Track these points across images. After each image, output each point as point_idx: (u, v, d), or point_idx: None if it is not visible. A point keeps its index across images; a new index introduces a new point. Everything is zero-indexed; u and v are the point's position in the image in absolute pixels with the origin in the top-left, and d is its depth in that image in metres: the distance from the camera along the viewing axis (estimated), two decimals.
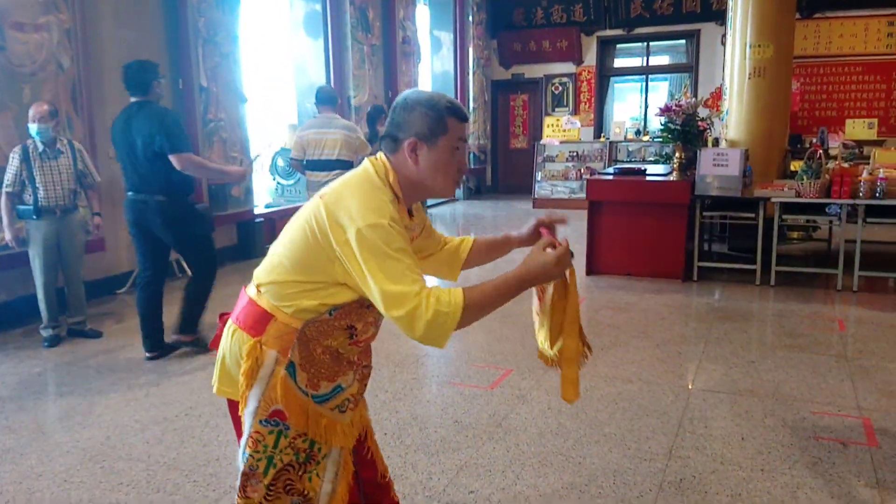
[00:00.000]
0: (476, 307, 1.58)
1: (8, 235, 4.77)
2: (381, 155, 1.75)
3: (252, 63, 8.01)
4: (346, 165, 5.69)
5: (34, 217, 4.74)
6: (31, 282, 5.48)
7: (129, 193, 4.45)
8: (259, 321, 1.70)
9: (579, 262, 6.96)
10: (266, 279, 1.73)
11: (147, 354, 4.56)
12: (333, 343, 1.72)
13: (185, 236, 4.53)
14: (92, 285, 6.00)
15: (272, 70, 9.07)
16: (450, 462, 3.09)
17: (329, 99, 6.01)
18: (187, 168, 4.35)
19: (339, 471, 1.78)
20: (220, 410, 3.67)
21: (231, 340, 1.76)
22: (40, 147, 4.74)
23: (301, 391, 1.69)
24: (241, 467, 1.73)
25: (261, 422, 1.69)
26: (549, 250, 1.69)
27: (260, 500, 1.72)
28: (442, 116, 1.71)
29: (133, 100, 4.45)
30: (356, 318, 1.72)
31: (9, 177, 4.68)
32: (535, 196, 12.35)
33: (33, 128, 4.70)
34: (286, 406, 1.68)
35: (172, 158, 4.28)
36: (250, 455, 1.71)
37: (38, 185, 4.72)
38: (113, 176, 6.21)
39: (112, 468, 3.08)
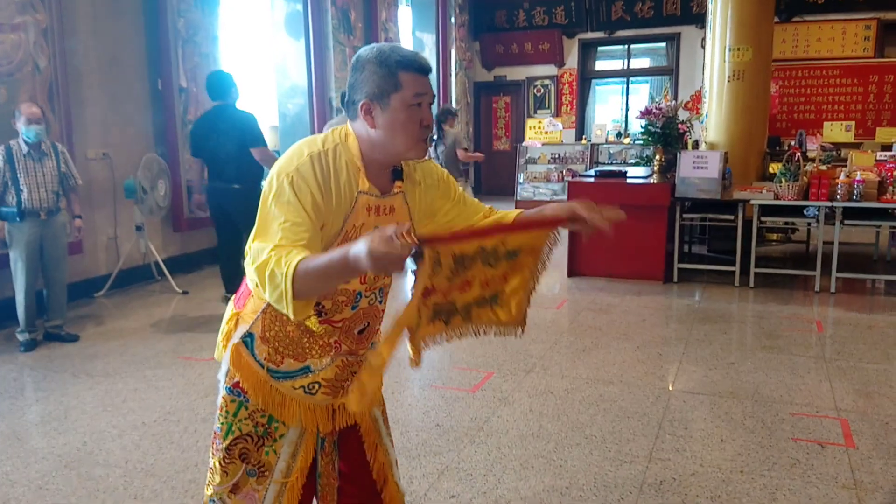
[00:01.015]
0: (304, 275, 1.43)
1: None
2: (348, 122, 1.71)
3: (232, 64, 7.95)
4: None
5: (17, 219, 4.65)
6: (6, 285, 5.40)
7: (213, 183, 5.26)
8: (243, 296, 1.77)
9: (561, 264, 6.98)
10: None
11: (225, 294, 5.35)
12: (305, 321, 1.68)
13: (254, 219, 5.20)
14: (69, 288, 5.93)
15: (253, 71, 9.01)
16: (431, 466, 3.08)
17: None
18: (265, 160, 5.30)
19: (296, 452, 1.78)
20: (198, 416, 3.64)
21: (225, 312, 1.83)
22: (25, 149, 4.66)
23: (257, 363, 1.72)
24: (214, 426, 1.80)
25: (226, 388, 1.75)
26: (389, 240, 1.34)
27: (219, 460, 1.76)
28: (392, 72, 1.60)
29: (215, 103, 5.45)
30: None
31: None
32: (518, 198, 12.37)
33: (28, 129, 4.62)
34: (240, 375, 1.73)
35: (254, 152, 5.23)
36: (218, 417, 1.78)
37: (21, 187, 4.64)
38: (90, 178, 6.14)
39: (89, 474, 3.04)
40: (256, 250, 1.52)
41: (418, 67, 1.62)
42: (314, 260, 1.45)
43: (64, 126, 5.68)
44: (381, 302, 1.80)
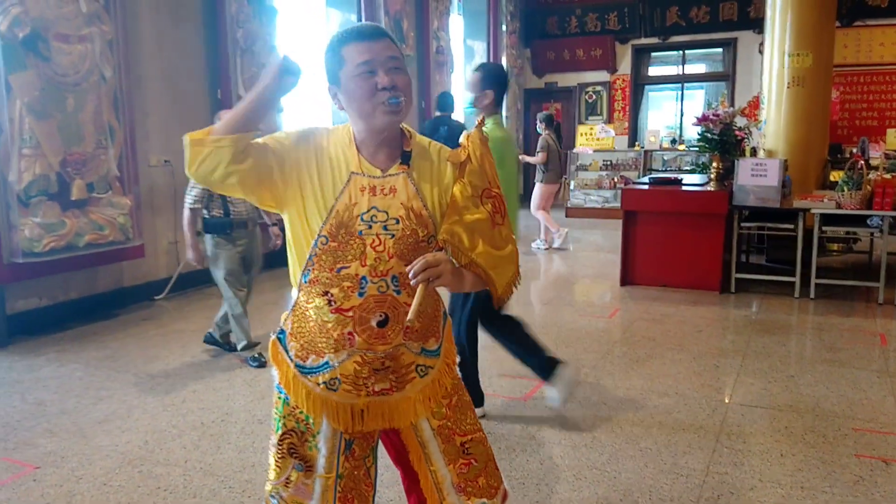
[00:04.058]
0: (228, 115, 1.66)
1: (191, 255, 4.55)
2: None
3: None
4: None
5: (227, 232, 4.53)
6: (71, 287, 5.61)
7: None
8: (292, 300, 1.81)
9: (613, 272, 6.91)
10: None
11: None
12: (320, 313, 1.69)
13: None
14: (131, 291, 6.12)
15: (307, 80, 9.15)
16: None
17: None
18: None
19: (333, 448, 1.78)
20: (255, 417, 3.71)
21: None
22: None
23: (288, 357, 1.76)
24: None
25: (276, 386, 1.80)
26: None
27: (273, 455, 1.80)
28: (336, 51, 1.66)
29: (440, 114, 7.58)
30: (328, 282, 1.68)
31: (197, 192, 4.45)
32: (568, 205, 12.30)
33: None
34: (276, 369, 1.79)
35: None
36: (273, 413, 1.82)
37: (229, 199, 4.47)
38: (152, 184, 6.33)
39: (150, 472, 3.13)
40: None
41: (357, 35, 1.64)
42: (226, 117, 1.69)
43: (128, 134, 5.86)
44: (398, 292, 1.70)
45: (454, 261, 1.72)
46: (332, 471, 1.77)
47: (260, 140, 1.70)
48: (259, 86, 1.64)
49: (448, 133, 7.03)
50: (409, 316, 1.62)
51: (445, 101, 7.75)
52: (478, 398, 3.64)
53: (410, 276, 1.61)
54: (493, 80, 3.41)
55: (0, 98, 4.88)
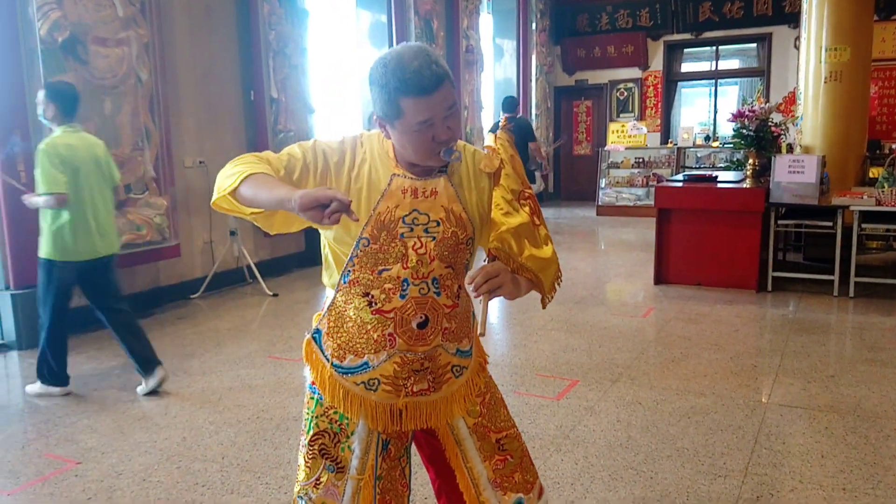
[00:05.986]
0: (257, 180, 1.55)
1: None
2: None
3: (320, 74, 8.15)
4: None
5: None
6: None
7: None
8: (327, 300, 1.80)
9: (647, 271, 6.85)
10: None
11: None
12: (359, 314, 1.69)
13: None
14: (168, 290, 6.22)
15: (339, 81, 9.21)
16: None
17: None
18: (536, 150, 9.11)
19: (367, 449, 1.78)
20: (290, 414, 3.74)
21: None
22: None
23: (324, 357, 1.76)
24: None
25: (308, 385, 1.80)
26: (325, 195, 1.42)
27: (304, 456, 1.80)
28: (392, 100, 1.57)
29: (506, 115, 8.52)
30: (369, 283, 1.68)
31: None
32: (599, 203, 12.21)
33: None
34: (311, 369, 1.79)
35: (531, 144, 8.94)
36: (304, 413, 1.83)
37: None
38: (187, 185, 6.42)
39: (188, 468, 3.17)
40: None
41: (419, 91, 1.55)
42: (271, 178, 1.59)
43: (163, 135, 5.95)
44: (438, 294, 1.71)
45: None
46: (363, 472, 1.77)
47: (297, 154, 1.69)
48: (291, 195, 1.46)
49: (518, 128, 8.45)
50: (480, 330, 1.62)
51: (512, 102, 9.01)
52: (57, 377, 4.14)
53: (472, 289, 1.59)
54: (53, 94, 3.99)
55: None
